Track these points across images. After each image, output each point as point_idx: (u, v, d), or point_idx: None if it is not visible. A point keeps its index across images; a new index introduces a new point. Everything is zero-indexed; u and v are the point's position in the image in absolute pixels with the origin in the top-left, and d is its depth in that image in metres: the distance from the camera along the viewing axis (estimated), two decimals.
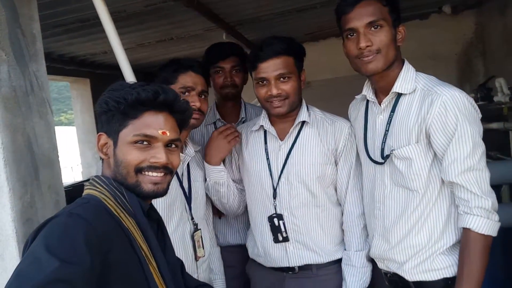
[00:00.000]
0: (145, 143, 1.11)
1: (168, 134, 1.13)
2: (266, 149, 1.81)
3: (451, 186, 1.45)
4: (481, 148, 1.41)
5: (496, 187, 1.78)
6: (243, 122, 2.15)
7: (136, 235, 1.05)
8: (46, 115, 1.54)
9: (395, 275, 1.56)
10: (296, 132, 1.80)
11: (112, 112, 1.11)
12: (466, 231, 1.42)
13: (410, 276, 1.52)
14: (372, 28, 1.46)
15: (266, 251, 1.80)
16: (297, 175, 1.75)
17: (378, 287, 1.72)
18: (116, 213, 1.05)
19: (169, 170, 1.15)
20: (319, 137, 1.78)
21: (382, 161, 1.56)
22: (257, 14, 3.56)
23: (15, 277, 0.87)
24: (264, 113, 1.85)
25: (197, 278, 1.73)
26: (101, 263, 0.94)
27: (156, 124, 1.12)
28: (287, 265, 1.77)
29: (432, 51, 4.81)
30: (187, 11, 2.96)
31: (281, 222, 1.75)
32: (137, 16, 2.99)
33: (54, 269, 0.85)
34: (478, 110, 1.45)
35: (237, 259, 2.02)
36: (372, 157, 1.61)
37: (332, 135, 1.77)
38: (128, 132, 1.10)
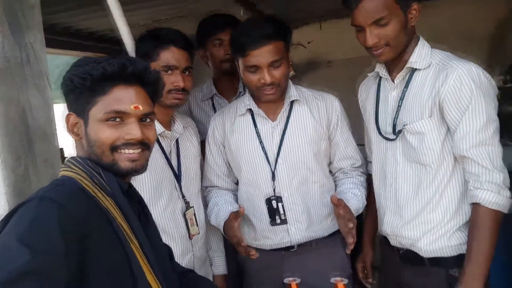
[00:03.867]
0: (117, 119, 1.06)
1: (141, 108, 1.08)
2: (257, 132, 1.76)
3: (462, 161, 1.43)
4: (495, 123, 1.39)
5: None
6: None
7: (115, 215, 1.02)
8: (44, 89, 1.51)
9: (409, 251, 1.55)
10: (288, 111, 1.76)
11: (79, 89, 1.05)
12: (476, 207, 1.40)
13: (425, 252, 1.51)
14: (379, 25, 1.42)
15: (265, 234, 1.76)
16: (295, 154, 1.72)
17: (389, 264, 1.70)
18: (93, 194, 1.01)
19: (146, 146, 1.10)
20: (311, 114, 1.75)
21: (394, 137, 1.55)
22: None
23: None
24: (248, 95, 1.79)
25: (192, 256, 1.72)
26: (79, 247, 0.91)
27: (126, 98, 1.07)
28: (289, 245, 1.74)
29: (464, 30, 4.56)
30: None
31: (279, 204, 1.72)
32: None
33: (25, 261, 0.81)
34: (495, 86, 1.42)
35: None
36: (384, 134, 1.60)
37: (324, 111, 1.76)
38: (98, 110, 1.06)
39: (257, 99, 1.76)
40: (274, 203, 1.73)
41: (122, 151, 1.07)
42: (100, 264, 0.95)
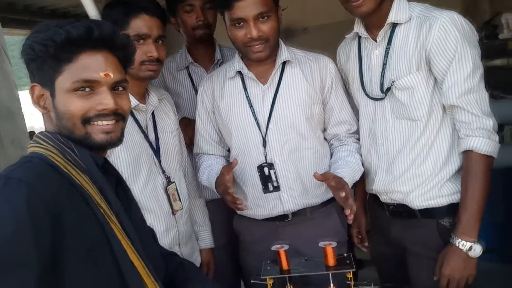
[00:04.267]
0: (87, 89, 0.98)
1: (112, 75, 1.00)
2: (247, 96, 1.69)
3: (451, 110, 1.44)
4: (481, 69, 1.41)
5: (498, 127, 1.71)
6: (220, 65, 2.01)
7: (91, 192, 0.95)
8: (2, 64, 1.42)
9: (400, 205, 1.56)
10: (279, 73, 1.67)
11: (41, 58, 0.96)
12: (468, 154, 1.42)
13: (417, 204, 1.52)
14: None
15: (258, 203, 1.71)
16: (286, 119, 1.66)
17: (379, 222, 1.70)
18: (66, 170, 0.94)
19: (120, 116, 1.03)
20: (304, 76, 1.67)
21: (383, 95, 1.53)
22: None
23: None
24: (238, 57, 1.71)
25: (177, 232, 1.67)
26: (52, 228, 0.84)
27: (96, 65, 0.98)
28: (282, 213, 1.70)
29: None
30: None
31: (271, 171, 1.67)
32: None
33: None
34: (476, 32, 1.43)
35: (223, 212, 1.91)
36: (371, 95, 1.58)
37: (317, 73, 1.69)
38: (65, 79, 0.97)
39: (246, 59, 1.67)
40: (266, 170, 1.66)
41: (95, 123, 1.00)
42: (76, 245, 0.89)
